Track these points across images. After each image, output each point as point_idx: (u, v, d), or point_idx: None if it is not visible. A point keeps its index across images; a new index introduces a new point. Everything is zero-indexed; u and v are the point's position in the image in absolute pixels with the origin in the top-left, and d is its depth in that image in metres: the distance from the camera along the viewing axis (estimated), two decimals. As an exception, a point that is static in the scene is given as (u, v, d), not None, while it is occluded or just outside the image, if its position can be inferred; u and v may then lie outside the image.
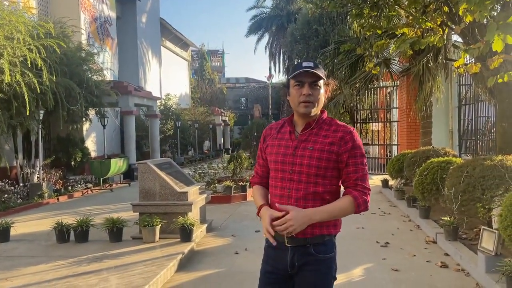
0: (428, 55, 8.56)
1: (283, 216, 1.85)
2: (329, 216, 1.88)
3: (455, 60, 5.45)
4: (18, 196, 10.21)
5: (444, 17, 5.57)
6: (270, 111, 36.62)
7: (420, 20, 5.53)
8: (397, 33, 6.44)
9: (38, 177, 11.21)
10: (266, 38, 32.58)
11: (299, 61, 2.00)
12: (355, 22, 8.15)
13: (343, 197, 1.92)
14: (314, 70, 1.89)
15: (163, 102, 23.55)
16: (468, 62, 5.99)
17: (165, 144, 22.36)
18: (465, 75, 9.69)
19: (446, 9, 5.39)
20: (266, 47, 32.96)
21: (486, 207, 4.79)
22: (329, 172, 1.91)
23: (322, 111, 2.02)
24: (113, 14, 18.72)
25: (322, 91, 1.95)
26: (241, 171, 11.33)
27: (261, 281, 2.06)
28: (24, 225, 7.47)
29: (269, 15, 31.29)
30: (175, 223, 5.59)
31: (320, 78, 1.92)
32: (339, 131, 1.93)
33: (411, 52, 6.97)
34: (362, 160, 1.92)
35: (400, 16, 7.86)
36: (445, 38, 5.69)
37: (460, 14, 4.95)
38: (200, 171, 11.81)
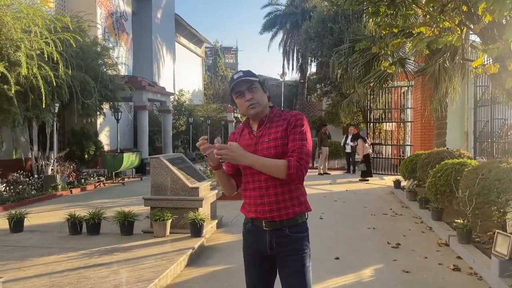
0: (445, 55, 8.42)
1: None
2: (260, 165, 2.04)
3: (472, 61, 5.34)
4: (33, 187, 10.38)
5: (463, 16, 5.47)
6: (282, 108, 36.53)
7: (438, 19, 5.44)
8: (413, 32, 6.34)
9: (52, 169, 11.37)
10: (280, 35, 32.43)
11: (233, 75, 2.22)
12: (371, 20, 8.05)
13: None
14: (244, 77, 2.12)
15: (176, 98, 23.67)
16: (486, 62, 5.87)
17: (178, 139, 22.48)
18: (482, 76, 9.52)
19: (464, 8, 5.29)
20: (280, 44, 32.82)
21: (501, 210, 4.72)
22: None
23: (271, 107, 2.24)
24: (128, 10, 18.85)
25: (260, 91, 2.16)
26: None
27: (245, 263, 2.29)
28: (37, 216, 7.58)
29: (283, 12, 31.13)
30: (185, 218, 5.61)
31: (253, 81, 2.14)
32: (287, 118, 2.16)
33: (427, 51, 6.85)
34: (301, 136, 2.10)
35: (417, 15, 7.74)
36: (463, 37, 5.59)
37: (479, 13, 4.85)
38: (212, 167, 11.81)
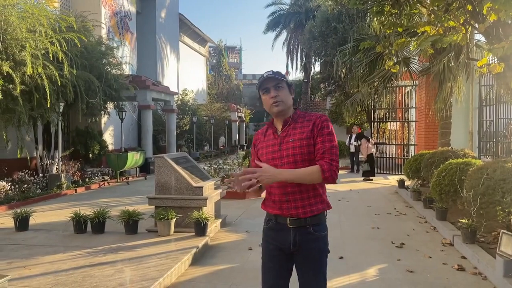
0: (450, 55, 8.39)
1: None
2: (295, 178, 2.11)
3: (477, 60, 5.32)
4: (38, 186, 10.44)
5: (467, 15, 5.45)
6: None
7: (443, 19, 5.42)
8: (418, 31, 6.31)
9: (57, 168, 11.42)
10: (284, 35, 32.40)
11: (262, 74, 2.30)
12: (375, 19, 8.04)
13: (314, 165, 2.14)
14: (273, 75, 2.21)
15: (180, 97, 23.71)
16: (491, 61, 5.85)
17: (181, 139, 22.53)
18: (487, 75, 9.48)
19: (469, 7, 5.27)
20: (283, 44, 32.77)
21: (506, 210, 4.70)
22: (312, 156, 2.17)
23: (295, 108, 2.32)
24: (133, 9, 18.90)
25: (286, 90, 2.25)
26: (256, 167, 11.31)
27: (264, 258, 2.31)
28: (42, 214, 7.63)
29: (287, 12, 31.10)
30: (190, 217, 5.63)
31: (281, 80, 2.22)
32: (311, 119, 2.23)
33: (432, 51, 6.83)
34: (329, 137, 2.17)
35: (422, 14, 7.72)
36: (468, 37, 5.56)
37: (484, 13, 4.84)
38: (215, 167, 11.87)
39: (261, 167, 2.11)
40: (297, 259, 2.24)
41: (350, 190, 10.51)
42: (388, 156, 15.65)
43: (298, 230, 2.19)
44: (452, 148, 8.80)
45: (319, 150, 2.15)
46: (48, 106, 9.31)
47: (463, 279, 4.27)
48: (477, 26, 5.34)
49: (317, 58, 21.61)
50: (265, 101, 2.26)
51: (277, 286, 2.29)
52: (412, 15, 6.52)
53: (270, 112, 2.28)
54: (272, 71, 2.26)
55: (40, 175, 11.28)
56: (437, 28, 5.76)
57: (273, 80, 2.22)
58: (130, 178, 13.69)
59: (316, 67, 28.46)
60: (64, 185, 10.66)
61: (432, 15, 5.70)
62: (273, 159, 2.23)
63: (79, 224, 5.88)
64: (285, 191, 2.18)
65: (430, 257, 4.98)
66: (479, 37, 7.30)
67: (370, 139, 13.77)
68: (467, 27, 5.52)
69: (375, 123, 15.59)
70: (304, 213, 2.18)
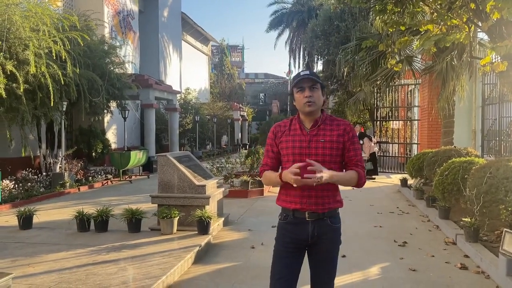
0: (453, 53, 8.37)
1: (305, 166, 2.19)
2: (339, 179, 2.30)
3: (480, 58, 5.30)
4: (41, 185, 10.47)
5: (470, 13, 5.44)
6: (288, 107, 36.48)
7: (446, 17, 5.41)
8: (421, 30, 6.31)
9: (60, 167, 11.47)
10: (286, 33, 32.41)
11: (299, 72, 2.44)
12: (377, 18, 8.01)
13: (350, 170, 2.36)
14: (310, 76, 2.32)
15: (182, 96, 23.73)
16: (494, 60, 5.83)
17: (184, 137, 22.55)
18: (490, 74, 9.45)
19: (472, 5, 5.26)
20: (286, 42, 32.79)
21: (509, 209, 4.69)
22: (338, 158, 2.35)
23: (322, 111, 2.42)
24: (135, 8, 18.92)
25: (320, 92, 2.36)
26: (258, 166, 11.33)
27: (279, 251, 2.40)
28: (46, 213, 7.66)
29: (290, 10, 31.08)
30: (192, 216, 5.64)
31: (317, 82, 2.33)
32: (341, 125, 2.39)
33: (434, 49, 6.82)
34: (358, 146, 2.41)
35: (425, 13, 7.70)
36: (471, 35, 5.55)
37: (487, 11, 4.82)
38: (218, 165, 11.87)
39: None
40: (313, 250, 2.39)
41: (353, 188, 10.46)
42: (390, 155, 15.63)
43: (316, 222, 2.33)
44: (455, 146, 8.78)
45: (352, 157, 2.36)
46: (52, 105, 9.34)
47: (466, 278, 4.27)
48: (480, 25, 5.33)
49: (319, 57, 21.57)
50: (298, 99, 2.35)
51: (289, 276, 2.36)
52: (415, 14, 6.52)
53: (301, 111, 2.38)
54: (309, 71, 2.37)
55: (44, 173, 11.33)
56: (440, 27, 5.75)
57: (310, 81, 2.32)
58: (133, 177, 13.72)
59: (319, 66, 28.38)
60: (68, 184, 10.70)
61: (435, 14, 5.69)
62: (300, 154, 2.32)
63: (82, 222, 5.90)
64: (308, 187, 2.26)
65: (433, 256, 4.97)
66: (482, 35, 7.27)
67: (373, 138, 13.75)
68: (470, 25, 5.50)
69: (378, 122, 15.56)
70: (322, 209, 2.33)
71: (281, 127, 2.46)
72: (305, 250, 2.40)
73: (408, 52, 9.84)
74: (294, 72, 37.81)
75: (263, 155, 2.60)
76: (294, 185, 2.21)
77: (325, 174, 2.17)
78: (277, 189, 2.49)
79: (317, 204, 2.32)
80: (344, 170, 2.41)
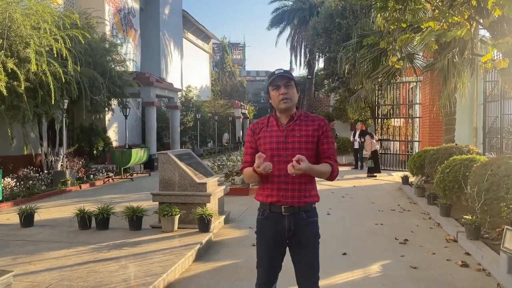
0: (454, 50, 8.34)
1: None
2: (316, 172, 2.36)
3: (482, 55, 5.29)
4: (42, 182, 10.50)
5: (472, 10, 5.42)
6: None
7: (447, 14, 5.39)
8: (422, 27, 6.29)
9: (61, 165, 11.49)
10: (287, 31, 32.33)
11: (273, 71, 2.53)
12: (379, 15, 7.99)
13: (324, 163, 2.43)
14: (285, 74, 2.41)
15: (184, 94, 23.72)
16: (495, 57, 5.81)
17: (185, 135, 22.56)
18: (492, 71, 9.42)
19: (474, 2, 5.24)
20: (287, 40, 32.72)
21: (510, 206, 4.69)
22: (314, 152, 2.45)
23: (296, 108, 2.51)
24: (136, 6, 18.91)
25: (294, 89, 2.44)
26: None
27: (261, 246, 2.51)
28: (47, 211, 7.68)
29: (291, 8, 31.01)
30: (193, 214, 5.64)
31: (291, 79, 2.42)
32: (315, 120, 2.49)
33: (436, 46, 6.79)
34: (332, 140, 2.52)
35: (426, 10, 7.68)
36: (472, 32, 5.53)
37: (489, 8, 4.80)
38: (219, 163, 11.87)
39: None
40: (292, 244, 2.46)
41: (354, 186, 10.47)
42: (392, 152, 15.61)
43: (292, 216, 2.40)
44: (456, 144, 8.76)
45: (326, 150, 2.45)
46: (53, 103, 9.35)
47: (467, 275, 4.27)
48: (481, 21, 5.31)
49: (320, 54, 21.55)
50: (274, 96, 2.44)
51: (272, 267, 2.49)
52: (416, 11, 6.49)
53: (277, 108, 2.46)
54: (283, 69, 2.45)
55: (45, 171, 11.35)
56: (441, 24, 5.72)
57: (284, 79, 2.41)
58: (134, 175, 13.74)
59: (320, 64, 28.37)
60: (69, 182, 10.72)
61: (437, 11, 5.67)
62: (277, 149, 2.41)
63: (83, 220, 5.91)
64: (285, 180, 2.37)
65: (434, 253, 4.97)
66: (483, 32, 7.25)
67: (374, 136, 13.74)
68: (471, 22, 5.48)
69: (379, 120, 15.54)
70: (298, 203, 2.40)
71: (259, 124, 2.56)
72: (285, 242, 2.47)
73: (409, 49, 9.81)
74: (296, 70, 37.84)
75: (243, 153, 2.69)
76: (259, 171, 2.25)
77: (304, 164, 2.23)
78: None
79: (293, 197, 2.39)
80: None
